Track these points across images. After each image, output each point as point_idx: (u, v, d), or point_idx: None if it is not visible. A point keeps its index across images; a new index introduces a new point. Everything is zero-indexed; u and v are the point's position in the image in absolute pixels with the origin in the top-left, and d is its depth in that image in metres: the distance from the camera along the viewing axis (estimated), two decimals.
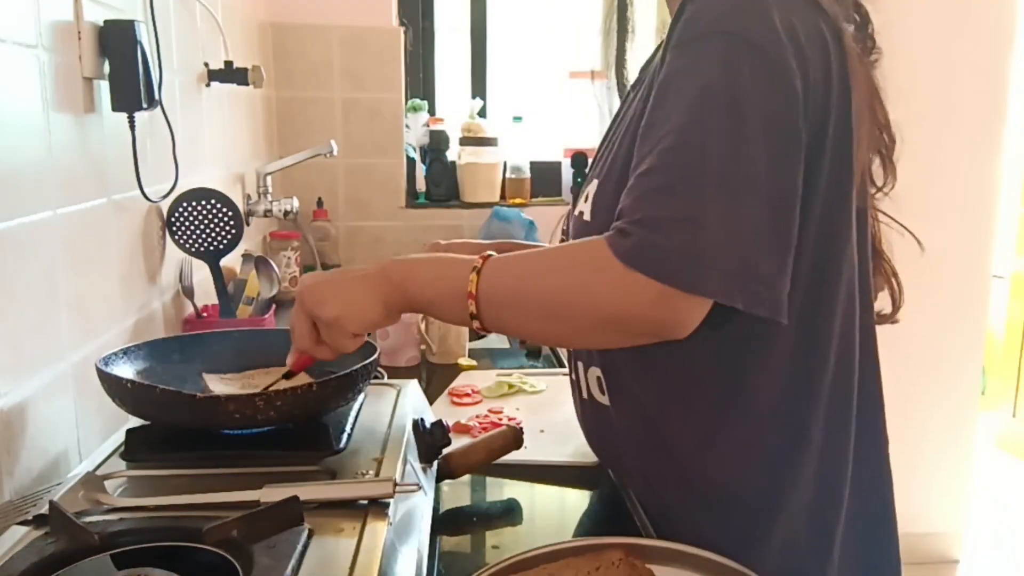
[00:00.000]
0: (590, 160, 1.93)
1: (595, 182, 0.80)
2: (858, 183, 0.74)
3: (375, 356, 0.83)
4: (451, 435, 0.88)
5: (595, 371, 0.85)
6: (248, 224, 1.82)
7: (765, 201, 0.64)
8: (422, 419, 0.87)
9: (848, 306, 0.76)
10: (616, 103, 1.03)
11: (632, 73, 1.01)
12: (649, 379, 0.75)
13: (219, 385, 0.85)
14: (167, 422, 0.77)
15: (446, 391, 1.35)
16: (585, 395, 0.87)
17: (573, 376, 0.91)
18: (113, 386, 0.76)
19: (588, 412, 0.90)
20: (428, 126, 2.40)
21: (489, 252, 0.73)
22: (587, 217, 0.79)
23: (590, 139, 2.44)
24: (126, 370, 0.82)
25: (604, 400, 0.84)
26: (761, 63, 0.64)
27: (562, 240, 0.97)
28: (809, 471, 0.77)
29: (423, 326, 1.55)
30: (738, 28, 0.65)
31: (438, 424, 0.87)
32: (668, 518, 0.83)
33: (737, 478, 0.77)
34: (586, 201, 0.80)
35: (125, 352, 0.84)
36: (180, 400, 0.73)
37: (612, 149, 0.80)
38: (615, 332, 0.68)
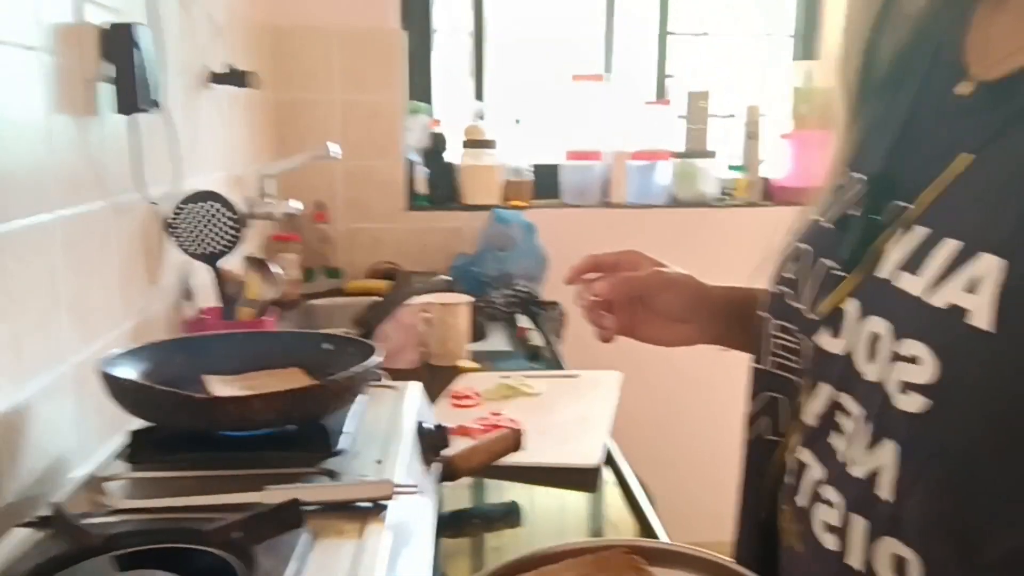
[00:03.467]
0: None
1: (993, 260, 0.46)
2: None
3: (376, 358, 0.83)
4: (451, 437, 0.88)
5: (894, 547, 0.55)
6: (248, 226, 1.82)
7: None
8: (423, 421, 0.87)
9: None
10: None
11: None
12: None
13: (220, 387, 0.85)
14: (166, 423, 0.78)
15: (447, 393, 1.35)
16: (850, 561, 0.56)
17: (812, 530, 0.60)
18: (113, 387, 0.76)
19: (816, 565, 0.61)
20: (428, 128, 2.40)
21: None
22: (980, 323, 0.45)
23: (590, 141, 2.44)
24: (127, 372, 0.82)
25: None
26: None
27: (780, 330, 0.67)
28: None
29: (423, 328, 1.55)
30: None
31: (439, 426, 0.87)
32: None
33: None
34: (972, 292, 0.47)
35: (126, 354, 0.84)
36: (178, 401, 0.73)
37: (999, 207, 0.48)
38: None
